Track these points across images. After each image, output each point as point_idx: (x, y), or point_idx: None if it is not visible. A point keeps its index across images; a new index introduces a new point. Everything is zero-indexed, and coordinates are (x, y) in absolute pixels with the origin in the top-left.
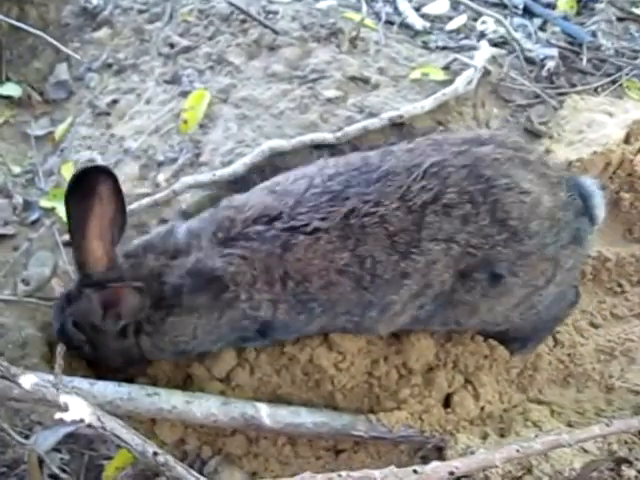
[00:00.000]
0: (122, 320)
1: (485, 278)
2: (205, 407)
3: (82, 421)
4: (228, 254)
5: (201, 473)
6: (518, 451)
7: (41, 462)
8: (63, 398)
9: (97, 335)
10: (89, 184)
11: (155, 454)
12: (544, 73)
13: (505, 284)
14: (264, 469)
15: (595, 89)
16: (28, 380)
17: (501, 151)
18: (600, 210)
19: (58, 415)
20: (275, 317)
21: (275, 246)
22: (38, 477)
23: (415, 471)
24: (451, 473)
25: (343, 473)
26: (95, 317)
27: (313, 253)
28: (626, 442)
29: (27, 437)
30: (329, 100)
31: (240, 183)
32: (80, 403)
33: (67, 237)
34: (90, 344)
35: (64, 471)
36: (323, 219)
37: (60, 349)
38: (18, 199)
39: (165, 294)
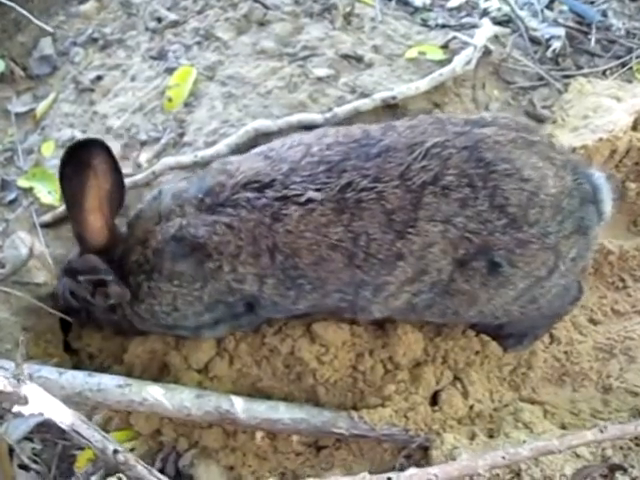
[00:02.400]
0: (110, 299)
1: (484, 266)
2: (178, 400)
3: (41, 415)
4: (213, 222)
5: (176, 466)
6: (504, 458)
7: (11, 451)
8: (23, 390)
9: (89, 307)
10: (83, 158)
11: (115, 452)
12: (549, 54)
13: (504, 274)
14: (242, 464)
15: (603, 72)
16: None
17: (503, 133)
18: (607, 205)
19: (16, 408)
20: (262, 292)
21: (265, 215)
22: (7, 467)
23: (389, 479)
24: None
25: None
26: (85, 294)
27: (305, 225)
28: (621, 448)
29: None
30: (320, 79)
31: None
32: (41, 396)
33: (45, 218)
34: (83, 311)
35: (35, 462)
36: (318, 190)
37: (22, 339)
38: None
39: (147, 258)
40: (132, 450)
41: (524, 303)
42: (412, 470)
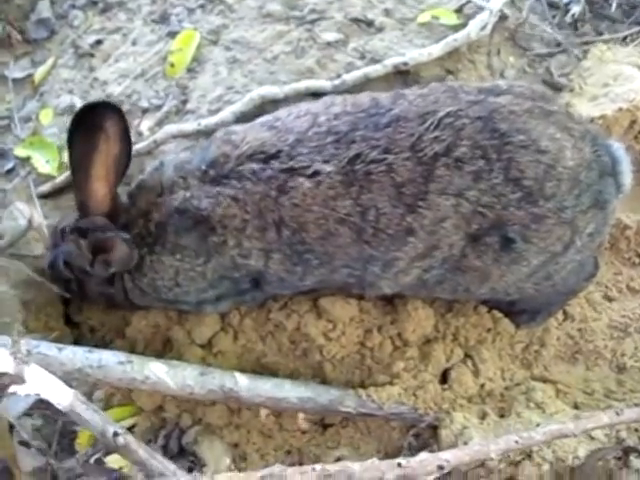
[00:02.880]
0: (111, 268)
1: (497, 242)
2: (181, 378)
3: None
4: (217, 193)
5: (180, 442)
6: (517, 442)
7: (11, 428)
8: (20, 369)
9: (84, 277)
10: (95, 120)
11: (115, 434)
12: (568, 19)
13: (517, 250)
14: (246, 441)
15: (624, 38)
16: None
17: (519, 102)
18: (626, 178)
19: (13, 388)
20: (268, 268)
21: (271, 188)
22: (8, 444)
23: (399, 464)
24: (440, 467)
25: (317, 467)
26: (84, 262)
27: (312, 199)
28: (636, 430)
29: None
30: (328, 44)
31: None
32: (39, 375)
33: (43, 189)
34: (77, 283)
35: (35, 438)
36: (326, 162)
37: (19, 316)
38: None
39: (150, 231)
40: (134, 427)
41: (538, 280)
42: (423, 455)
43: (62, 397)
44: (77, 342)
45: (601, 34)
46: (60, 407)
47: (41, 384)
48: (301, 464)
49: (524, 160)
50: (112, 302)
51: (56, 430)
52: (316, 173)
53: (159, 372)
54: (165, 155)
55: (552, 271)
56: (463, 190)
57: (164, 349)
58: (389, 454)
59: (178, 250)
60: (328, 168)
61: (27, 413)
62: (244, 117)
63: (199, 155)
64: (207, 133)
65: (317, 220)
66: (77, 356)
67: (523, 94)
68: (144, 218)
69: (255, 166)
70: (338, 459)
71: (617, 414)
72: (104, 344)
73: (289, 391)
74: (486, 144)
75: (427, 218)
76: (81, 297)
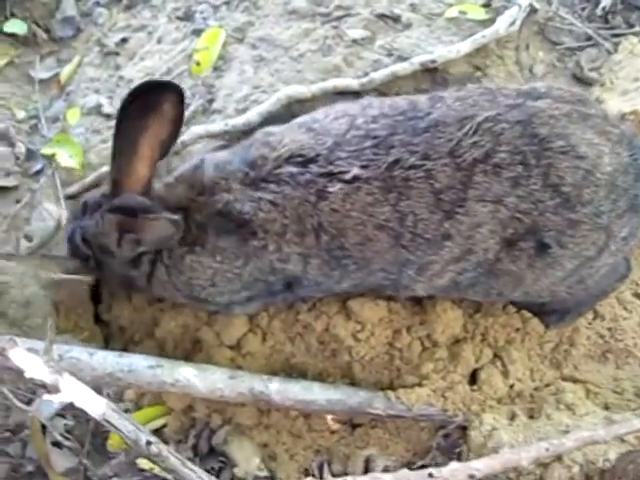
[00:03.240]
0: (141, 247)
1: (532, 247)
2: (210, 381)
3: (68, 409)
4: (258, 198)
5: (210, 442)
6: (548, 450)
7: (44, 428)
8: (54, 378)
9: (104, 257)
10: (153, 100)
11: (149, 443)
12: (598, 11)
13: (552, 255)
14: (275, 441)
15: None
16: (17, 355)
17: (558, 106)
18: None
19: (46, 397)
20: (306, 273)
21: (309, 193)
22: (41, 444)
23: (431, 475)
24: (471, 476)
25: (349, 478)
26: (110, 240)
27: (351, 204)
28: None
29: (30, 401)
30: (355, 41)
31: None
32: (72, 384)
33: (71, 189)
34: (95, 261)
35: (68, 439)
36: (364, 167)
37: (51, 322)
38: (21, 148)
39: (191, 230)
40: (164, 426)
41: (571, 283)
42: (454, 465)
43: (95, 406)
44: (107, 341)
45: (632, 26)
46: (94, 415)
47: (74, 393)
48: (330, 464)
49: (563, 166)
50: (129, 285)
51: (88, 430)
52: (355, 179)
53: (189, 375)
54: (202, 153)
55: (585, 275)
56: (501, 196)
57: (193, 350)
58: (418, 454)
59: (218, 252)
60: (367, 174)
61: (59, 414)
62: (271, 117)
63: (239, 156)
64: (234, 133)
65: (356, 226)
66: (108, 360)
67: (562, 97)
68: (183, 215)
69: (294, 169)
70: (367, 459)
71: None
72: (133, 343)
73: (318, 394)
74: (525, 149)
75: (464, 224)
76: (98, 275)
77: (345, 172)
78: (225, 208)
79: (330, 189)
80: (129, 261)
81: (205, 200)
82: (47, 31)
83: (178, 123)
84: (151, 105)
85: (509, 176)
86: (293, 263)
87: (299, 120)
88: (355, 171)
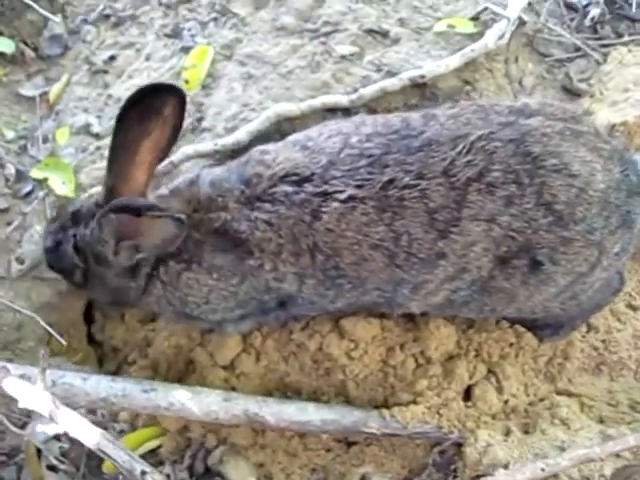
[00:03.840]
0: (140, 254)
1: (525, 264)
2: (205, 404)
3: (66, 436)
4: (255, 218)
5: (205, 463)
6: (543, 470)
7: (39, 451)
8: (46, 408)
9: (99, 267)
10: (155, 104)
11: (143, 473)
12: (587, 22)
13: (546, 272)
14: (271, 461)
15: None
16: (10, 385)
17: (550, 124)
18: None
19: (40, 427)
20: (300, 292)
21: (304, 213)
22: (36, 468)
23: None
24: None
25: None
26: (107, 248)
27: (346, 224)
28: None
29: (24, 425)
30: (343, 57)
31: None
32: (65, 413)
33: None
34: (84, 273)
35: (63, 462)
36: (359, 187)
37: (43, 351)
38: (10, 169)
39: (188, 247)
40: (159, 447)
41: (564, 299)
42: None
43: (89, 436)
44: (100, 362)
45: (621, 36)
46: (88, 445)
47: (68, 422)
48: None
49: (556, 184)
50: (119, 298)
51: (83, 452)
52: (350, 198)
53: (183, 399)
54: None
55: (579, 290)
56: (495, 215)
57: (187, 370)
58: (413, 471)
59: (215, 270)
60: (362, 193)
61: (55, 437)
62: (261, 136)
63: (235, 173)
64: (224, 153)
65: (351, 246)
66: (101, 385)
67: (554, 115)
68: None
69: (288, 189)
70: (363, 477)
71: None
72: (127, 364)
73: (313, 414)
74: (518, 168)
75: (458, 243)
76: (84, 288)
77: (340, 192)
78: (222, 227)
79: (325, 209)
80: (125, 272)
81: (201, 217)
82: (35, 49)
83: (178, 129)
84: (154, 109)
85: (502, 195)
86: (289, 282)
87: (293, 138)
88: (350, 191)
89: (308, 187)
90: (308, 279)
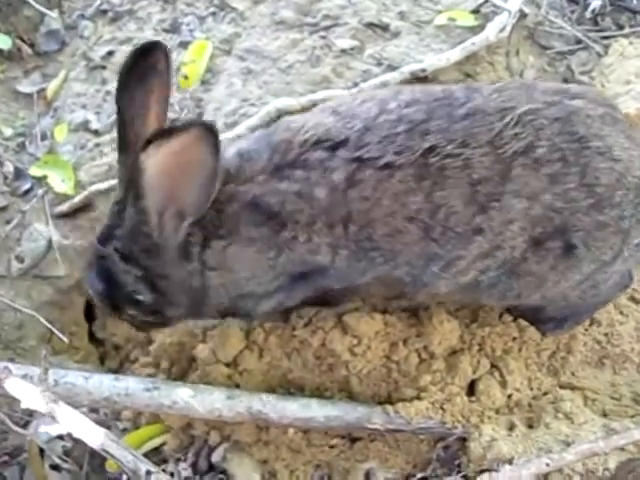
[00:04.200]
0: (186, 220)
1: (559, 247)
2: (208, 402)
3: (69, 435)
4: (285, 188)
5: (209, 460)
6: (548, 465)
7: (42, 451)
8: (49, 408)
9: (154, 262)
10: (151, 61)
11: (148, 473)
12: (588, 14)
13: (577, 256)
14: (275, 457)
15: None
16: (13, 385)
17: (593, 107)
18: None
19: (43, 428)
20: (333, 264)
21: (338, 179)
22: (39, 468)
23: None
24: None
25: None
26: (151, 227)
27: (382, 192)
28: None
29: (27, 424)
30: (343, 51)
31: None
32: (69, 414)
33: (61, 209)
34: (147, 282)
35: (66, 461)
36: (398, 153)
37: (46, 351)
38: (9, 167)
39: (224, 222)
40: (163, 445)
41: (585, 288)
42: None
43: (93, 436)
44: (102, 360)
45: (622, 28)
46: (92, 445)
47: (71, 422)
48: (330, 478)
49: (600, 167)
50: (191, 292)
51: (86, 451)
52: (387, 165)
53: (186, 397)
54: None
55: (600, 280)
56: (537, 193)
57: (189, 367)
58: (418, 466)
59: (252, 242)
60: (400, 160)
61: (57, 436)
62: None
63: (263, 142)
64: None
65: (385, 216)
66: (104, 384)
67: (596, 99)
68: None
69: (322, 154)
70: (367, 472)
71: None
72: (129, 362)
73: (316, 411)
74: (564, 147)
75: (497, 219)
76: (155, 307)
77: (377, 158)
78: (254, 200)
79: (360, 176)
80: (178, 255)
81: (232, 191)
82: (32, 45)
83: (170, 79)
84: (150, 67)
85: (547, 172)
86: (323, 254)
87: (320, 106)
88: (388, 157)
89: (342, 152)
90: (341, 250)
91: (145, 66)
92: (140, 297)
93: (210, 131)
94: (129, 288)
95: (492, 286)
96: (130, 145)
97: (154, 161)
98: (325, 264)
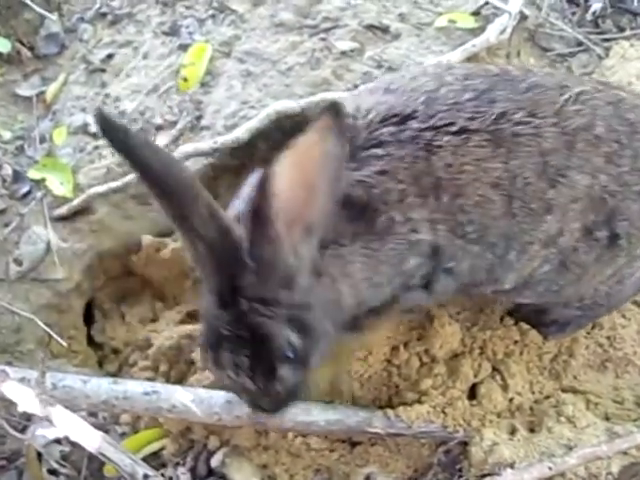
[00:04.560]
0: (314, 233)
1: (605, 237)
2: (207, 405)
3: (67, 439)
4: (365, 175)
5: (208, 465)
6: (551, 469)
7: (40, 455)
8: (47, 411)
9: (295, 293)
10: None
11: (146, 477)
12: (588, 16)
13: (619, 247)
14: (274, 462)
15: None
16: (10, 389)
17: (634, 98)
18: None
19: (40, 431)
20: (438, 242)
21: (418, 148)
22: (37, 472)
23: None
24: None
25: None
26: (285, 254)
27: (463, 157)
28: None
29: (24, 429)
30: (343, 53)
31: (244, 150)
32: (66, 417)
33: (59, 211)
34: (294, 322)
35: (64, 465)
36: (470, 119)
37: (43, 354)
38: (7, 170)
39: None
40: (162, 450)
41: (613, 283)
42: None
43: (90, 439)
44: (101, 364)
45: (623, 30)
46: (89, 449)
47: (69, 426)
48: None
49: None
50: (336, 325)
51: (85, 455)
52: (462, 130)
53: (185, 401)
54: None
55: (625, 275)
56: (596, 171)
57: (188, 370)
58: (419, 471)
59: (357, 239)
60: (474, 125)
61: (55, 440)
62: (261, 133)
63: None
64: (223, 150)
65: (473, 182)
66: (102, 388)
67: (632, 91)
68: None
69: (392, 129)
70: (367, 477)
71: None
72: (128, 365)
73: (317, 415)
74: (619, 129)
75: (565, 195)
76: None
77: (450, 124)
78: (343, 196)
79: (438, 142)
80: (311, 273)
81: None
82: (31, 49)
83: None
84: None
85: (605, 151)
86: (424, 232)
87: (363, 88)
88: (461, 123)
89: (414, 124)
90: (439, 224)
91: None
92: (291, 347)
93: (337, 115)
94: (279, 340)
95: (539, 283)
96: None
97: (282, 176)
98: (434, 242)
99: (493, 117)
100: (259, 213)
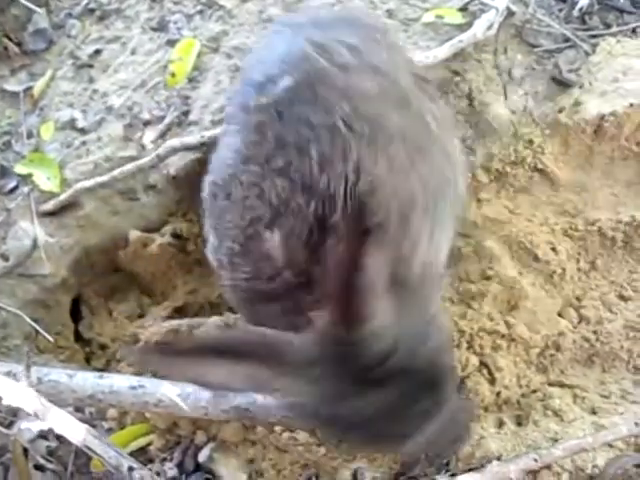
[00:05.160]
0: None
1: None
2: (194, 400)
3: (50, 431)
4: None
5: (195, 460)
6: (536, 460)
7: (26, 451)
8: (31, 405)
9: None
10: None
11: (131, 469)
12: (575, 13)
13: None
14: (262, 457)
15: (633, 30)
16: None
17: None
18: None
19: (24, 425)
20: None
21: None
22: (23, 468)
23: None
24: None
25: None
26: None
27: None
28: None
29: (11, 424)
30: None
31: None
32: (50, 410)
33: (46, 207)
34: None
35: (50, 461)
36: None
37: (27, 348)
38: None
39: None
40: (149, 445)
41: None
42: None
43: (75, 432)
44: (88, 360)
45: (609, 26)
46: (73, 441)
47: (54, 419)
48: (317, 478)
49: None
50: None
51: (71, 450)
52: None
53: (172, 395)
54: None
55: None
56: None
57: None
58: (406, 466)
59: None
60: None
61: (42, 435)
62: None
63: None
64: (210, 145)
65: None
66: (88, 382)
67: None
68: None
69: None
70: (355, 472)
71: (636, 425)
72: (115, 361)
73: None
74: None
75: None
76: None
77: None
78: None
79: None
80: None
81: None
82: (19, 44)
83: None
84: None
85: None
86: None
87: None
88: None
89: None
90: None
91: None
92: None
93: None
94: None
95: None
96: None
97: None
98: None
99: None
100: None
